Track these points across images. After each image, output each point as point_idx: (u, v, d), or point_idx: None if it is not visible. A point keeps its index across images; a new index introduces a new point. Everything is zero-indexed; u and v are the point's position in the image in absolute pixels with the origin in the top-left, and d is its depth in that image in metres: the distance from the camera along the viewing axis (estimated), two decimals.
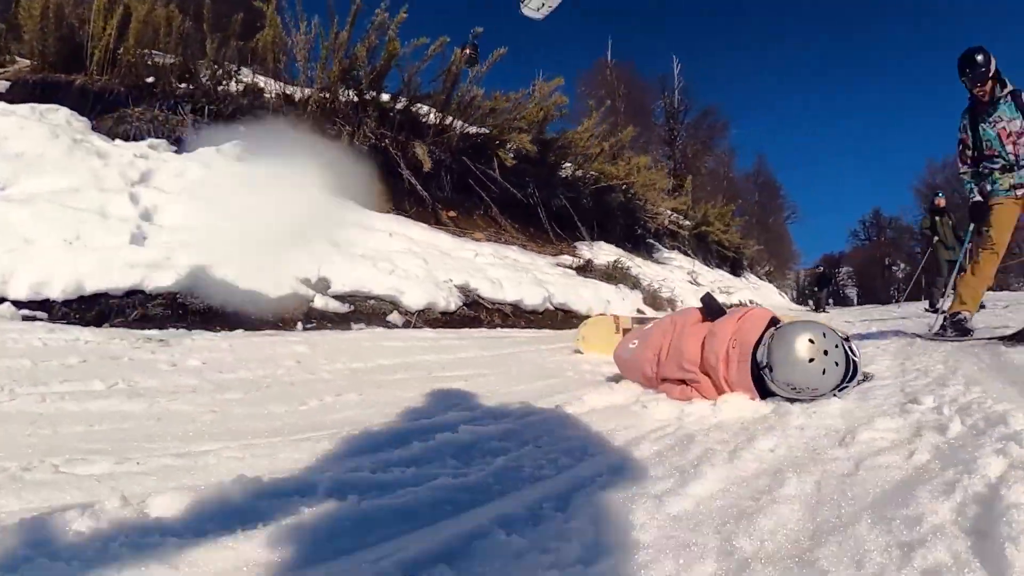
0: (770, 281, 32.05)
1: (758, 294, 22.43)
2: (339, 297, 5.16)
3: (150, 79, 6.17)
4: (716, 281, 17.58)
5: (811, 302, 20.47)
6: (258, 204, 5.60)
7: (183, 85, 6.43)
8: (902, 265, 53.11)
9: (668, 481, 1.32)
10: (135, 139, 5.65)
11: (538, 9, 10.36)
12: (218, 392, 2.27)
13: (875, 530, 1.01)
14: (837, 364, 2.05)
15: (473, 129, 10.29)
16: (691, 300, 13.20)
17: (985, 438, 1.43)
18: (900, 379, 2.55)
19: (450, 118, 9.72)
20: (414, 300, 5.65)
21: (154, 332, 3.40)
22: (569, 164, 13.00)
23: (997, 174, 4.38)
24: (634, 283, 10.61)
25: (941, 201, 11.63)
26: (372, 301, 5.44)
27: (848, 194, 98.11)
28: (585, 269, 10.04)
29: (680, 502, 1.18)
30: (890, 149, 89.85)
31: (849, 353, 2.09)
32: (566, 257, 10.60)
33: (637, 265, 12.16)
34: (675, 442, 1.70)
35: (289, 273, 4.91)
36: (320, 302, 4.94)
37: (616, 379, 2.86)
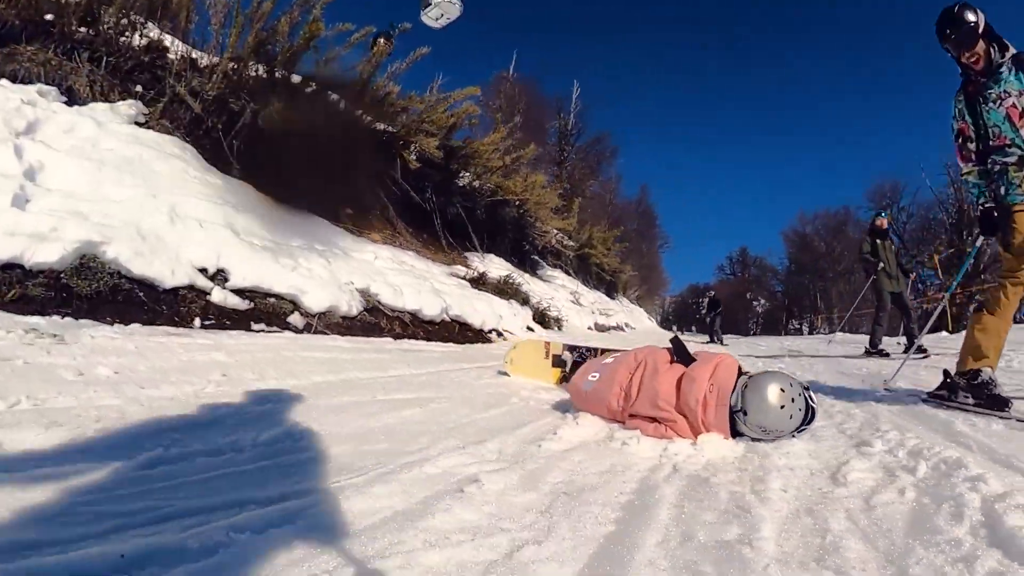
0: (640, 305, 34.02)
1: (631, 317, 23.72)
2: (238, 292, 4.85)
3: (49, 16, 5.48)
4: (596, 303, 18.37)
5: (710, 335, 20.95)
6: (154, 175, 5.17)
7: (83, 30, 5.76)
8: (762, 301, 58.58)
9: (733, 527, 1.46)
10: (24, 82, 4.98)
11: (436, 19, 10.47)
12: None
13: (931, 551, 1.27)
14: (800, 410, 2.36)
15: (381, 126, 10.07)
16: (575, 320, 13.74)
17: (955, 479, 1.74)
18: (830, 421, 2.91)
19: (360, 111, 9.46)
20: (316, 302, 5.43)
21: (40, 321, 3.01)
22: (468, 174, 13.05)
23: (1013, 171, 3.14)
24: (524, 299, 10.86)
25: (883, 222, 10.13)
26: (272, 299, 5.13)
27: (720, 230, 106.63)
28: (478, 282, 10.13)
29: (769, 545, 1.34)
30: (766, 195, 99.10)
31: (808, 400, 2.40)
32: (459, 268, 10.65)
33: (526, 281, 12.45)
34: (691, 484, 1.83)
35: (186, 259, 4.56)
36: (218, 296, 4.63)
37: (565, 409, 2.98)
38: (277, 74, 8.14)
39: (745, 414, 2.36)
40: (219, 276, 4.79)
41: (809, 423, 2.40)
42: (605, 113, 71.14)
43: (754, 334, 46.22)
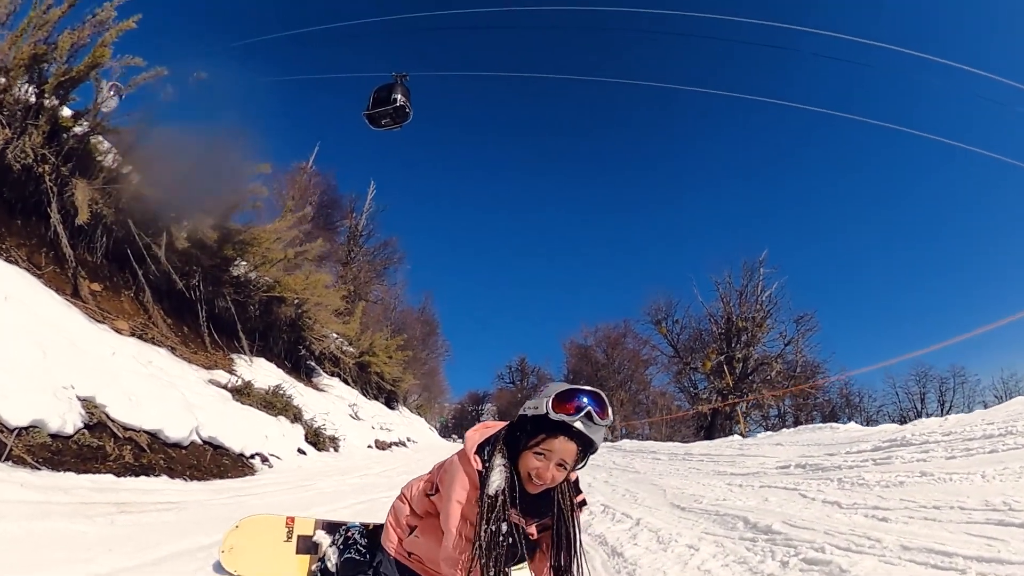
0: (421, 415, 33.55)
1: (412, 429, 23.17)
2: None
3: None
4: (376, 416, 17.59)
5: None
6: None
7: None
8: None
9: None
10: None
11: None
12: None
13: None
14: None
15: (153, 192, 8.84)
16: (354, 438, 12.92)
17: None
18: None
19: (130, 167, 8.22)
20: (16, 413, 4.17)
21: None
22: (245, 263, 12.01)
23: None
24: (296, 415, 9.93)
25: None
26: None
27: (500, 339, 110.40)
28: (243, 392, 9.02)
29: None
30: (549, 307, 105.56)
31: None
32: (221, 373, 9.47)
33: (300, 392, 11.45)
34: None
35: None
36: None
37: None
38: (47, 100, 6.82)
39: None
40: None
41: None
42: (396, 217, 72.16)
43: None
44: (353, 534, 2.99)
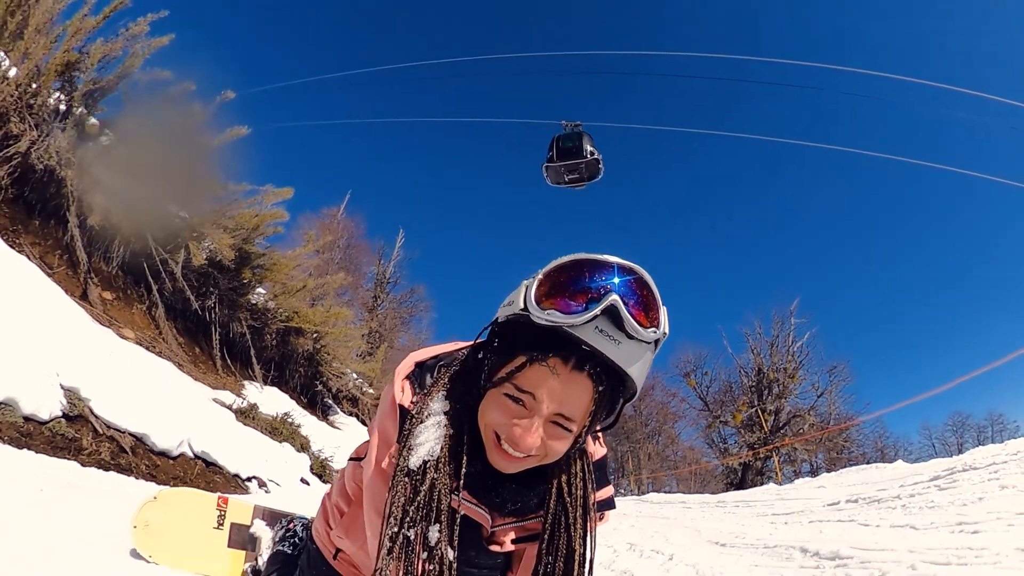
0: None
1: None
2: None
3: None
4: None
5: None
6: None
7: None
8: None
9: None
10: None
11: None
12: None
13: None
14: None
15: (174, 206, 8.96)
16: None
17: None
18: None
19: (152, 181, 8.37)
20: None
21: None
22: (264, 290, 12.02)
23: None
24: (303, 444, 9.64)
25: None
26: None
27: None
28: (247, 414, 8.80)
29: None
30: None
31: None
32: (228, 393, 9.29)
33: (310, 424, 11.22)
34: None
35: None
36: None
37: None
38: (76, 109, 7.00)
39: None
40: None
41: None
42: (423, 265, 72.42)
43: None
44: (295, 526, 2.34)
